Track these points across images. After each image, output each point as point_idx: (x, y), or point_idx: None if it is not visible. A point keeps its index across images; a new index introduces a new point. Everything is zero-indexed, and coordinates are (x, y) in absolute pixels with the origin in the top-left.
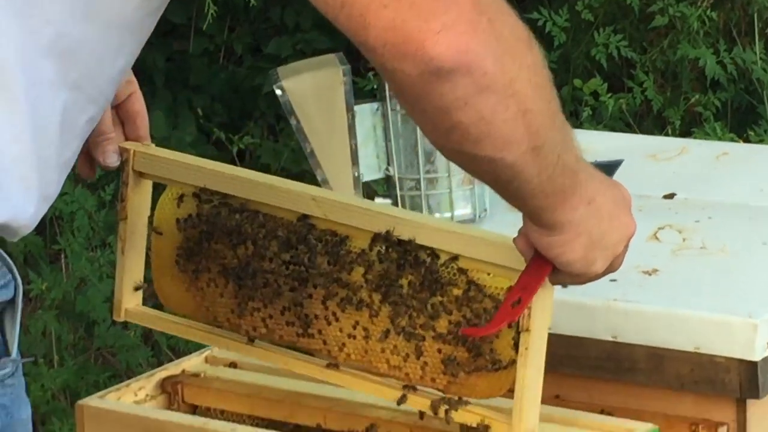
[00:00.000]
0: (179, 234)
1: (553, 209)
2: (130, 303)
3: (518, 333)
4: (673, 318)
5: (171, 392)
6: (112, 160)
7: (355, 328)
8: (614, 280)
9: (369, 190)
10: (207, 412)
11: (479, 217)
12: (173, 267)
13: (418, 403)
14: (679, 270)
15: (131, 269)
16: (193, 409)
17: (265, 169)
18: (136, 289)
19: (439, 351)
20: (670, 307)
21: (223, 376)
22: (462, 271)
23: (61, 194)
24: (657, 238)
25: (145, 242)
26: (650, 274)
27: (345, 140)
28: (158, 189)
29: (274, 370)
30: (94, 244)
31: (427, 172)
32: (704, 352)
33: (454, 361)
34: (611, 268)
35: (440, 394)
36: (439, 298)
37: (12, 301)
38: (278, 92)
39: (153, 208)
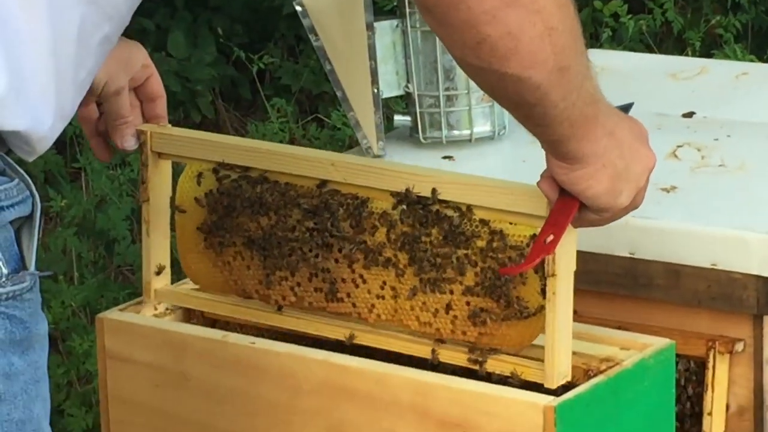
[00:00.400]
0: (202, 210)
1: (578, 139)
2: (159, 283)
3: (545, 279)
4: (690, 234)
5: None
6: (130, 144)
7: (383, 288)
8: None
9: (388, 110)
10: (226, 326)
11: (498, 134)
12: (198, 244)
13: (450, 356)
14: (698, 187)
15: (157, 250)
16: (212, 323)
17: (286, 90)
18: (158, 273)
19: (468, 304)
20: (688, 224)
21: None
22: (484, 222)
23: None
24: (676, 156)
25: (169, 222)
26: (668, 192)
27: (364, 58)
28: (178, 169)
29: None
30: (114, 163)
31: (447, 89)
32: (721, 268)
33: (483, 312)
34: (635, 202)
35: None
36: (464, 251)
37: (30, 217)
38: (298, 9)
39: (174, 188)
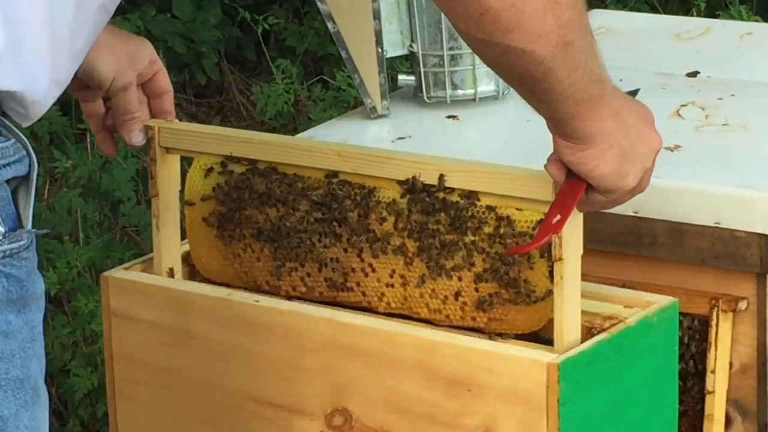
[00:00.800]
0: (211, 204)
1: (583, 117)
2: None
3: (552, 263)
4: (694, 193)
5: (195, 265)
6: (138, 139)
7: (392, 276)
8: None
9: (392, 70)
10: (230, 284)
11: (502, 93)
12: (208, 237)
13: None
14: (701, 146)
15: (168, 244)
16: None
17: (291, 51)
18: (170, 274)
19: (477, 290)
20: (692, 183)
21: None
22: (490, 208)
23: None
24: (680, 115)
25: (179, 216)
26: (672, 150)
27: (369, 18)
28: (186, 162)
29: None
30: None
31: (451, 48)
32: (725, 226)
33: (492, 297)
34: (641, 184)
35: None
36: (471, 238)
37: (27, 177)
38: None
39: (183, 183)
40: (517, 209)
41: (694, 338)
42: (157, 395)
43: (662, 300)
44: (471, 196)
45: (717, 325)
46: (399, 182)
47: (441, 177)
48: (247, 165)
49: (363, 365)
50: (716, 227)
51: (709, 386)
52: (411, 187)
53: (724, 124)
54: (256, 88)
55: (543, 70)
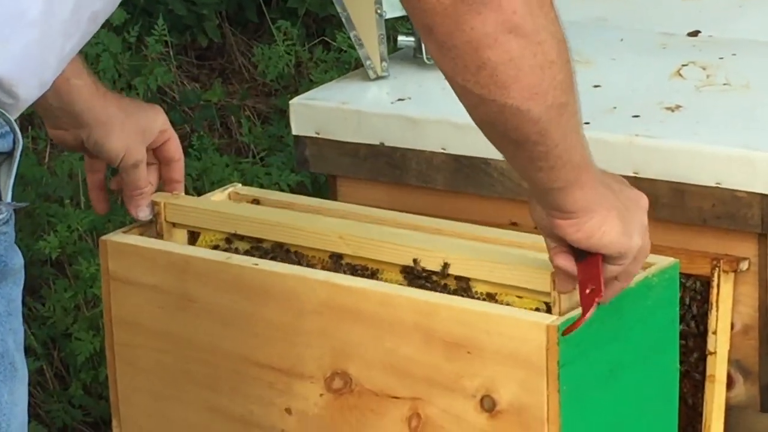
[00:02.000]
0: None
1: (581, 185)
2: None
3: None
4: (695, 153)
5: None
6: (145, 214)
7: None
8: (637, 116)
9: (392, 31)
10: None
11: None
12: None
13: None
14: (702, 106)
15: None
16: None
17: (292, 13)
18: None
19: None
20: (693, 143)
21: None
22: (491, 296)
23: None
24: (680, 75)
25: None
26: (673, 111)
27: None
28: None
29: (296, 206)
30: (119, 87)
31: None
32: (726, 187)
33: None
34: (645, 243)
35: None
36: None
37: (10, 155)
38: None
39: None
40: (518, 297)
41: (696, 299)
42: (157, 359)
43: (662, 261)
44: (471, 283)
45: (718, 285)
46: (402, 267)
47: (446, 264)
48: (252, 243)
49: (362, 328)
50: (717, 187)
51: (710, 347)
52: (412, 273)
53: (725, 84)
54: (257, 50)
55: (538, 131)
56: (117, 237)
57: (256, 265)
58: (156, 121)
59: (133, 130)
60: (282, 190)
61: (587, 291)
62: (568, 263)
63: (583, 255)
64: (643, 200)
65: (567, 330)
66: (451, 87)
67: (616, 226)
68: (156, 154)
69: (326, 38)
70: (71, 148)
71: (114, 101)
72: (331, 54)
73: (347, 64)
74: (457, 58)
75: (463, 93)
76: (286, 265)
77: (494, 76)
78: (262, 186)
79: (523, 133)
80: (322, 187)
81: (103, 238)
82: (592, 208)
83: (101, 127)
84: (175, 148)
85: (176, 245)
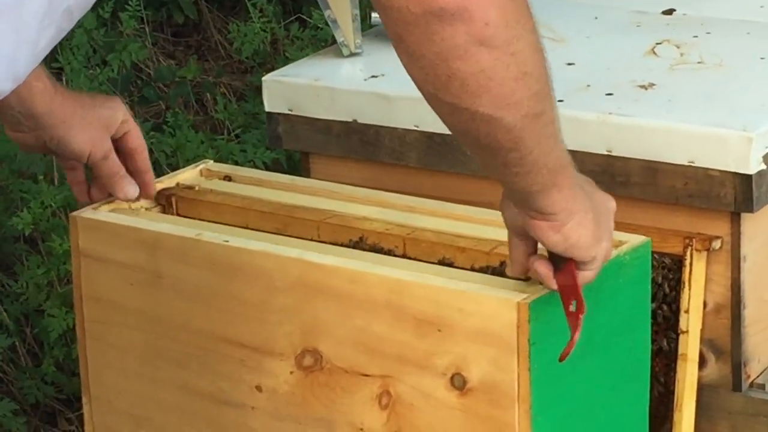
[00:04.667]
0: None
1: (560, 187)
2: None
3: None
4: (668, 131)
5: (165, 204)
6: (131, 191)
7: None
8: (610, 94)
9: (367, 8)
10: (201, 224)
11: None
12: None
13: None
14: (676, 84)
15: None
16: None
17: None
18: None
19: None
20: (666, 121)
21: (218, 188)
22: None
23: None
24: (654, 53)
25: None
26: (646, 89)
27: None
28: None
29: (268, 183)
30: (93, 63)
31: None
32: (699, 165)
33: None
34: (609, 247)
35: None
36: None
37: None
38: None
39: None
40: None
41: (668, 278)
42: (127, 336)
43: (634, 239)
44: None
45: (691, 264)
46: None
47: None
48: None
49: (332, 305)
50: (690, 166)
51: (682, 326)
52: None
53: (699, 62)
54: (233, 27)
55: (512, 139)
56: (87, 213)
57: (227, 242)
58: (117, 112)
59: (95, 124)
60: (257, 168)
61: (570, 308)
62: (546, 269)
63: (557, 262)
64: (611, 203)
65: (563, 355)
66: (422, 95)
67: (590, 229)
68: (118, 145)
69: (302, 15)
70: (33, 150)
71: (71, 99)
72: (308, 32)
73: (323, 41)
74: (427, 67)
75: (435, 102)
76: (257, 242)
77: (464, 87)
78: (236, 163)
79: (496, 140)
80: (297, 165)
81: (74, 214)
82: (572, 209)
83: (62, 126)
84: (136, 138)
85: (147, 221)
